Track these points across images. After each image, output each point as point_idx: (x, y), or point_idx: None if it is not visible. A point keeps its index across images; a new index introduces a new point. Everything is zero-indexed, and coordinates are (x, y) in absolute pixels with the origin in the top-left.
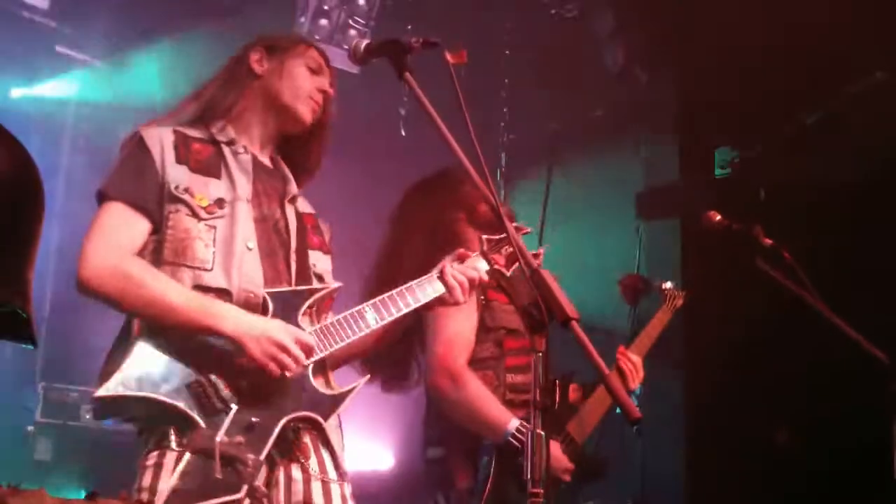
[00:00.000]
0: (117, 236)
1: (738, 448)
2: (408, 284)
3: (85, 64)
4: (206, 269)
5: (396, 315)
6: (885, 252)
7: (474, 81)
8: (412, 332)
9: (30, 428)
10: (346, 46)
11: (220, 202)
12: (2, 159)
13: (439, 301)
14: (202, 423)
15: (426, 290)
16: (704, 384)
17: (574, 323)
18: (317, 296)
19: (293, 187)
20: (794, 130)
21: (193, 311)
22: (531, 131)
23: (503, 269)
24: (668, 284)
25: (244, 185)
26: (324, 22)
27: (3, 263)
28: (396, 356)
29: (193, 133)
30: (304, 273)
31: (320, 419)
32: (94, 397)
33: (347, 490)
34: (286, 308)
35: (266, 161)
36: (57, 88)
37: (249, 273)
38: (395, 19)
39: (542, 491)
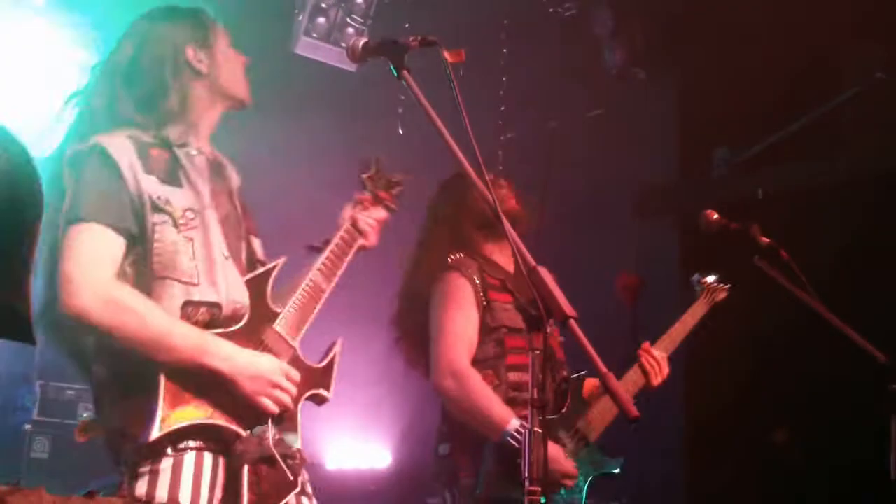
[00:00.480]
0: (101, 262)
1: (737, 448)
2: (332, 242)
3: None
4: (194, 284)
5: (340, 273)
6: (883, 251)
7: (473, 80)
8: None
9: (27, 427)
10: (343, 45)
11: (190, 212)
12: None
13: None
14: (243, 433)
15: (352, 243)
16: (703, 384)
17: (572, 322)
18: (272, 276)
19: (235, 177)
20: (792, 130)
21: (190, 349)
22: (529, 130)
23: (391, 204)
24: (711, 278)
25: (205, 192)
26: (321, 20)
27: (0, 262)
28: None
29: (146, 138)
30: (251, 257)
31: (325, 393)
32: (150, 442)
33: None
34: (256, 295)
35: (210, 155)
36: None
37: (233, 283)
38: (393, 17)
39: (539, 489)
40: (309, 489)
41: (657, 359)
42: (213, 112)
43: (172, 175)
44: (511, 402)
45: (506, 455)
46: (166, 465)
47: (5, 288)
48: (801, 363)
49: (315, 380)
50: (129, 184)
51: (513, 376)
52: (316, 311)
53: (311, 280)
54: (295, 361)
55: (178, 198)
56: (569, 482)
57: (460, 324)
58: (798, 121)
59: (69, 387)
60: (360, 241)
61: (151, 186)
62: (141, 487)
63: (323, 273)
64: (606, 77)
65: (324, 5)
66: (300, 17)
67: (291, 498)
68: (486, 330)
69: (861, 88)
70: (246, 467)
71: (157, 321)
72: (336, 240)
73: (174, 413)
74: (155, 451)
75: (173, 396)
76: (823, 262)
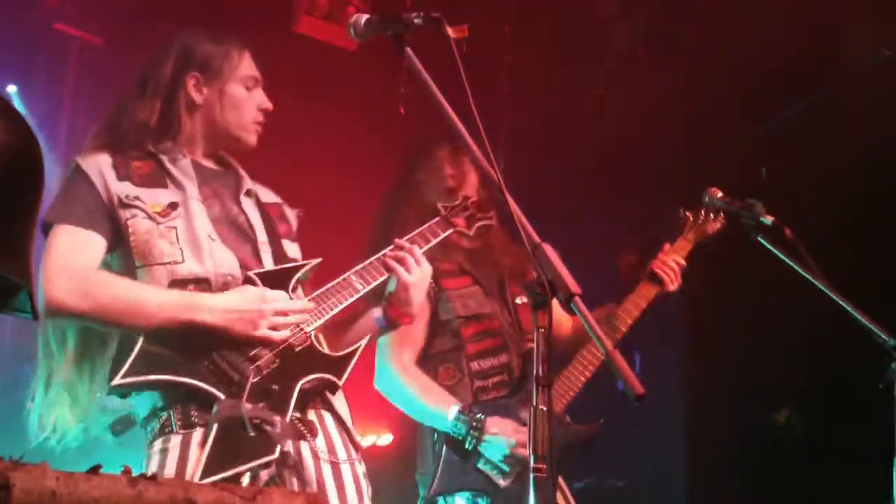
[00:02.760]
0: (76, 255)
1: (738, 430)
2: (384, 252)
3: (85, 41)
4: (177, 262)
5: (380, 280)
6: (888, 231)
7: (475, 59)
8: None
9: (30, 404)
10: (345, 23)
11: (173, 205)
12: (3, 131)
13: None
14: (222, 396)
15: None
16: (704, 365)
17: (577, 298)
18: (302, 271)
19: (247, 182)
20: (797, 111)
21: (171, 309)
22: (532, 109)
23: (465, 230)
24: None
25: (192, 188)
26: None
27: (2, 235)
28: None
29: (133, 152)
30: (284, 259)
31: (335, 379)
32: (112, 385)
33: (360, 469)
34: (275, 287)
35: (211, 164)
36: (56, 67)
37: (221, 259)
38: None
39: (544, 466)
40: (312, 470)
41: (670, 264)
42: (210, 141)
43: (155, 178)
44: (480, 392)
45: (451, 445)
46: (175, 442)
47: (6, 261)
48: (804, 343)
49: (326, 366)
50: (100, 189)
51: (475, 365)
52: (341, 305)
53: (345, 278)
54: (308, 348)
55: (161, 196)
56: (523, 451)
57: None
58: (804, 100)
59: None
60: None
61: (124, 189)
62: (153, 466)
63: (360, 273)
64: (609, 56)
65: None
66: None
67: (266, 467)
68: (439, 323)
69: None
70: (215, 426)
71: (129, 291)
72: (386, 250)
73: (148, 368)
74: (164, 429)
75: (150, 356)
76: (827, 240)
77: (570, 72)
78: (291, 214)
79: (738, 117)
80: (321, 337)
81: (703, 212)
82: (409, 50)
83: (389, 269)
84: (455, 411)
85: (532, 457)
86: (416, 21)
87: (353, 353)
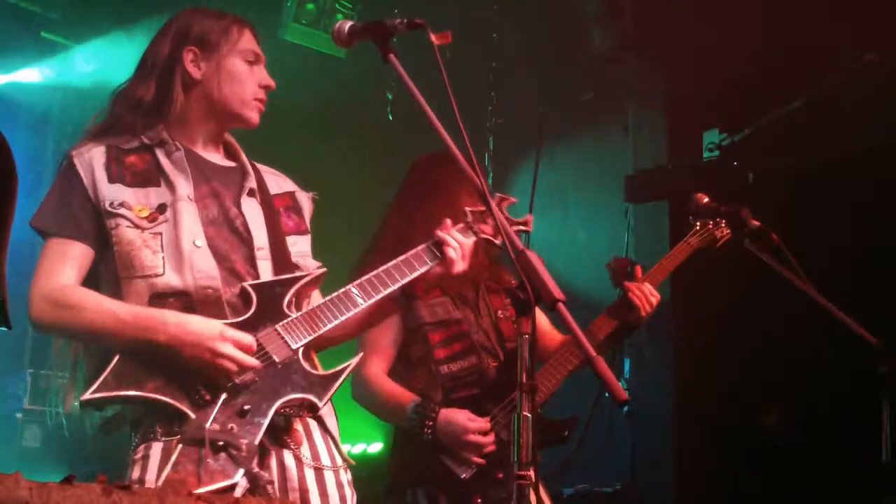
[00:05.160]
0: (55, 272)
1: (728, 431)
2: (394, 262)
3: (71, 49)
4: (158, 275)
5: (385, 293)
6: (873, 235)
7: (462, 64)
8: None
9: (18, 415)
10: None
11: (161, 208)
12: None
13: (428, 275)
14: (192, 415)
15: (413, 265)
16: (693, 367)
17: (561, 305)
18: (300, 283)
19: (251, 180)
20: (783, 114)
21: (130, 329)
22: (519, 114)
23: (492, 238)
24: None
25: (184, 185)
26: (311, 6)
27: None
28: None
29: (127, 145)
30: (285, 263)
31: (315, 400)
32: (82, 400)
33: (345, 477)
34: (270, 298)
35: (216, 158)
36: (43, 74)
37: (204, 269)
38: (383, 2)
39: (529, 473)
40: (295, 476)
41: (641, 289)
42: (209, 121)
43: (148, 176)
44: (449, 393)
45: (406, 441)
46: (156, 449)
47: None
48: (791, 346)
49: (308, 385)
50: (90, 192)
51: (444, 369)
52: (338, 321)
53: (345, 290)
54: (292, 364)
55: (152, 196)
56: (477, 437)
57: (373, 334)
58: (789, 104)
59: (60, 375)
60: (430, 267)
61: (112, 193)
62: (135, 472)
63: (363, 287)
64: (595, 59)
65: None
66: (289, 3)
67: (228, 490)
68: (408, 331)
69: (851, 71)
70: (180, 446)
71: (92, 311)
72: (397, 260)
73: (118, 383)
74: (146, 436)
75: (123, 371)
76: (814, 245)
77: (558, 77)
78: (305, 200)
79: (725, 119)
80: (312, 353)
81: (713, 220)
82: (392, 56)
83: (447, 257)
84: (412, 405)
85: (516, 464)
86: (399, 27)
87: (338, 374)
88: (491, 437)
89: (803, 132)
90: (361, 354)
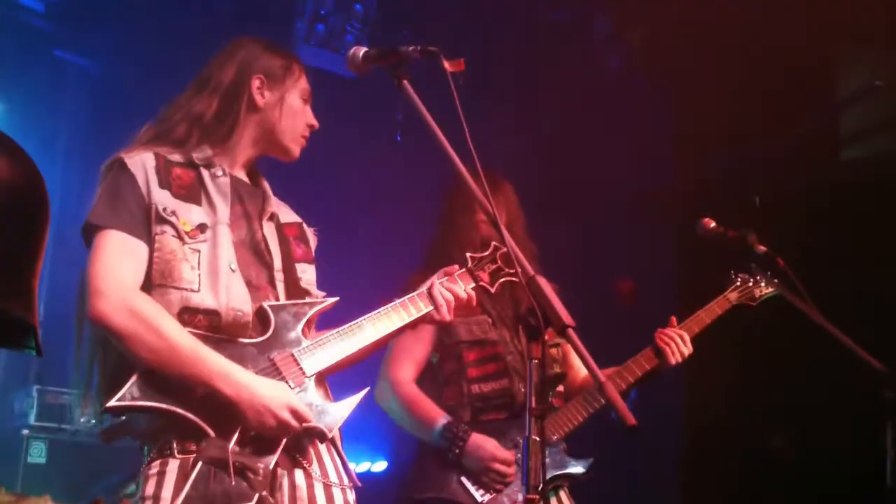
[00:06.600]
0: (126, 268)
1: (734, 455)
2: (401, 299)
3: (83, 68)
4: (193, 291)
5: (392, 329)
6: (880, 260)
7: (472, 88)
8: None
9: (24, 431)
10: (342, 51)
11: (202, 227)
12: (8, 168)
13: (427, 318)
14: (212, 433)
15: (419, 305)
16: (700, 391)
17: (570, 330)
18: (316, 309)
19: (271, 205)
20: (790, 137)
21: (201, 368)
22: (528, 136)
23: (487, 286)
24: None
25: (223, 209)
26: (320, 27)
27: (8, 273)
28: None
29: (174, 157)
30: (296, 287)
31: (325, 430)
32: (106, 408)
33: (351, 496)
34: (286, 321)
35: (244, 178)
36: (55, 93)
37: (237, 293)
38: (392, 24)
39: (536, 497)
40: (305, 492)
41: (672, 336)
42: (256, 147)
43: (193, 192)
44: (478, 414)
45: (430, 455)
46: (173, 466)
47: (11, 298)
48: (797, 370)
49: (319, 414)
50: (143, 193)
51: (476, 388)
52: (350, 352)
53: (358, 323)
54: (304, 393)
55: (194, 213)
56: (502, 467)
57: (407, 340)
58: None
59: (67, 392)
60: (429, 311)
61: (162, 198)
62: (150, 489)
63: (373, 321)
64: (603, 80)
65: (323, 12)
66: (299, 25)
67: None
68: (444, 347)
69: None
70: (199, 464)
71: (171, 340)
72: (404, 298)
73: (144, 394)
74: (163, 452)
75: (149, 382)
76: (820, 270)
77: (567, 98)
78: (310, 233)
79: (732, 143)
80: (324, 380)
81: (754, 277)
82: (406, 83)
83: (436, 304)
84: (442, 424)
85: (525, 487)
86: (413, 54)
87: (348, 405)
88: (514, 469)
89: (810, 157)
90: (389, 354)
